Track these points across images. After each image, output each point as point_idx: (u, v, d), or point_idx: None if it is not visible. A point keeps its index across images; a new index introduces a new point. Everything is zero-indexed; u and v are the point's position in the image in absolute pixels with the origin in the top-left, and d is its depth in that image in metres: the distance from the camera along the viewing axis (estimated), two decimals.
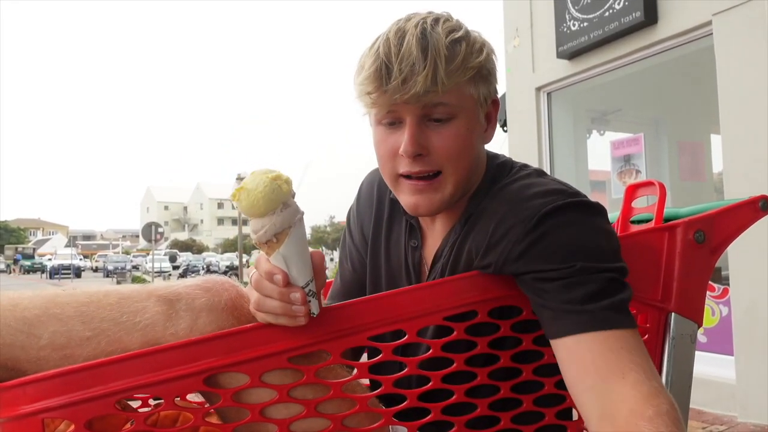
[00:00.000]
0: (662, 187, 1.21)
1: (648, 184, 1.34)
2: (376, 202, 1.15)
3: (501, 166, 1.01)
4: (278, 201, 0.74)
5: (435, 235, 1.04)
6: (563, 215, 0.84)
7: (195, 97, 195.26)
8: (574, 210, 0.85)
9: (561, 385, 0.90)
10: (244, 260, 23.38)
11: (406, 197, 0.95)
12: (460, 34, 0.89)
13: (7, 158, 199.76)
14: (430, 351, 0.89)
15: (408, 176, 0.93)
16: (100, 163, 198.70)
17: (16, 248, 57.80)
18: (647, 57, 4.42)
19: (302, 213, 0.78)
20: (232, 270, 25.89)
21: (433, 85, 0.85)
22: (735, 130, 3.63)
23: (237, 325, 0.84)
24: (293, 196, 0.77)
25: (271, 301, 0.79)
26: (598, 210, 0.88)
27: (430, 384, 0.89)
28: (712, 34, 3.78)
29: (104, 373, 0.78)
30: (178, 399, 0.81)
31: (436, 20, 0.90)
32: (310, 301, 0.80)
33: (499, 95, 1.01)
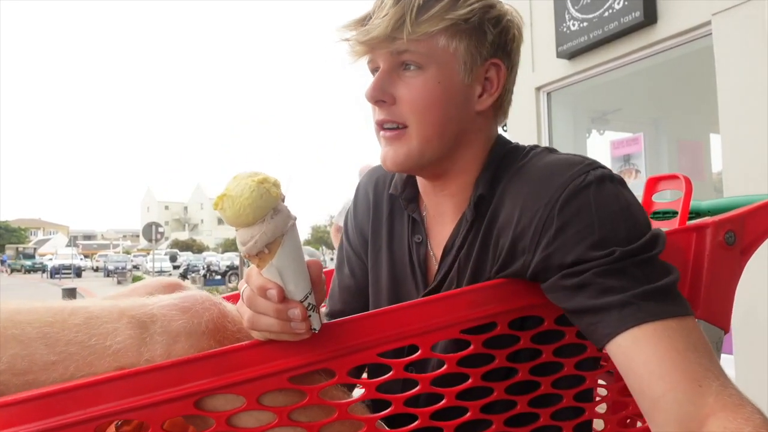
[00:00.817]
0: (688, 182, 1.14)
1: (672, 177, 1.25)
2: (374, 201, 1.09)
3: (513, 150, 0.93)
4: (267, 207, 0.66)
5: (443, 226, 0.97)
6: (594, 192, 0.76)
7: (195, 96, 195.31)
8: (601, 183, 0.77)
9: (580, 397, 0.86)
10: (244, 260, 23.36)
11: (382, 149, 0.92)
12: None
13: (7, 158, 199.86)
14: (445, 367, 0.81)
15: (383, 127, 0.90)
16: (100, 162, 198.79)
17: (17, 248, 57.78)
18: (647, 57, 4.42)
19: (295, 218, 0.70)
20: (232, 270, 25.84)
21: (397, 32, 0.83)
22: (734, 129, 3.63)
23: None
24: (283, 199, 0.69)
25: (267, 319, 0.71)
26: (621, 180, 0.81)
27: (444, 402, 0.81)
28: (711, 34, 3.78)
29: (83, 396, 0.69)
30: (166, 424, 0.72)
31: None
32: (310, 316, 0.71)
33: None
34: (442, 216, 0.97)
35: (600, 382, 0.94)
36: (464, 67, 0.88)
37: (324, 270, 0.78)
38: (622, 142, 5.03)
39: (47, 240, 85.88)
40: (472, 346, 0.81)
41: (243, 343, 0.75)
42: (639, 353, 0.69)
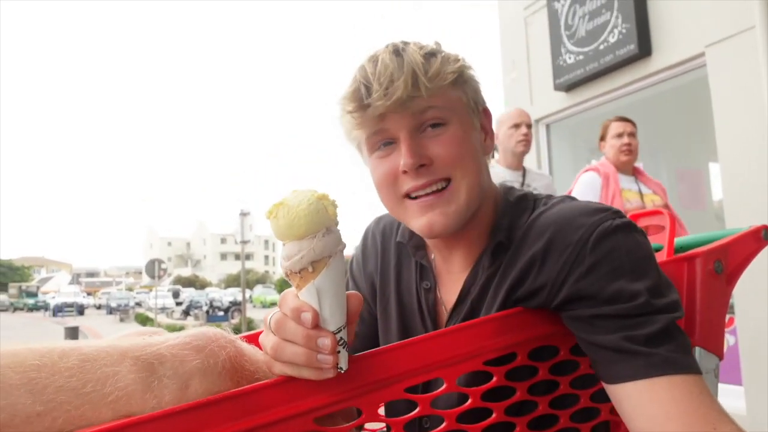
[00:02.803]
0: (672, 217, 1.18)
1: (655, 213, 1.30)
2: (381, 249, 1.09)
3: (523, 198, 0.95)
4: (321, 224, 0.64)
5: (452, 273, 0.97)
6: (622, 236, 0.78)
7: (198, 132, 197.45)
8: (630, 232, 0.80)
9: (596, 430, 0.87)
10: (246, 295, 23.28)
11: (417, 219, 0.89)
12: (432, 48, 0.89)
13: (10, 196, 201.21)
14: (469, 401, 0.78)
15: (414, 196, 0.88)
16: (103, 199, 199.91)
17: (20, 286, 57.67)
18: (643, 88, 4.48)
19: (344, 245, 0.67)
20: (235, 306, 25.72)
21: (416, 90, 0.83)
22: (733, 157, 3.66)
23: None
24: (337, 224, 0.66)
25: (294, 348, 0.66)
26: (643, 231, 0.83)
27: None
28: (705, 65, 3.84)
29: None
30: None
31: (406, 42, 0.90)
32: (339, 352, 0.66)
33: (494, 126, 1.01)
34: (452, 264, 0.97)
35: None
36: (473, 114, 0.92)
37: None
38: None
39: (50, 278, 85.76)
40: (495, 379, 0.80)
41: (264, 381, 0.69)
42: (655, 396, 0.71)
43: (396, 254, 1.07)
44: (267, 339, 0.69)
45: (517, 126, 3.17)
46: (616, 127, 3.30)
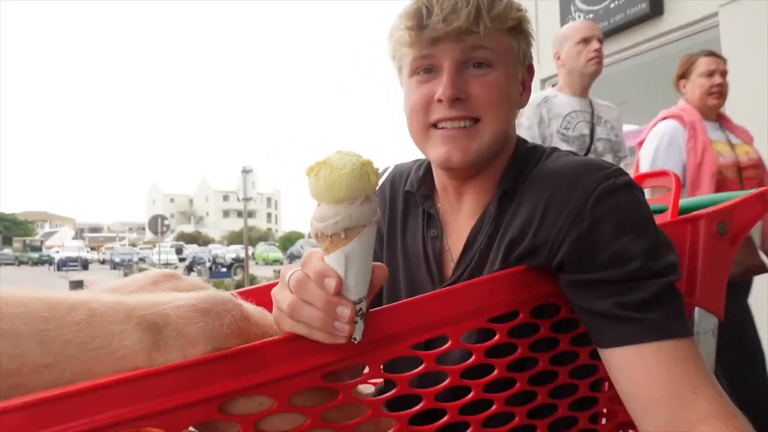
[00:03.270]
0: (677, 178, 1.19)
1: (661, 174, 1.31)
2: (390, 199, 1.10)
3: (533, 149, 0.95)
4: (362, 191, 0.62)
5: (460, 222, 0.97)
6: (623, 195, 0.78)
7: (200, 89, 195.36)
8: (631, 190, 0.80)
9: (594, 387, 0.88)
10: (249, 252, 23.47)
11: (437, 148, 0.89)
12: None
13: (13, 151, 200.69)
14: (473, 358, 0.79)
15: (441, 126, 0.88)
16: (106, 155, 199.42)
17: (24, 241, 58.13)
18: (653, 49, 4.40)
19: (379, 215, 0.65)
20: (237, 262, 25.94)
21: (476, 24, 0.83)
22: (741, 119, 3.61)
23: None
24: (375, 193, 0.65)
25: (311, 310, 0.65)
26: (642, 190, 0.83)
27: (471, 395, 0.79)
28: (718, 25, 3.76)
29: (89, 401, 0.59)
30: None
31: None
32: (356, 323, 0.66)
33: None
34: (460, 212, 0.98)
35: None
36: (519, 66, 0.92)
37: None
38: (628, 135, 5.00)
39: (54, 232, 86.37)
40: (497, 336, 0.81)
41: (272, 338, 0.69)
42: (642, 362, 0.73)
43: (404, 203, 1.07)
44: (283, 295, 0.68)
45: (586, 40, 2.52)
46: (706, 63, 2.63)
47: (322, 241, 0.64)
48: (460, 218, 0.98)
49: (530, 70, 0.97)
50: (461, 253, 0.94)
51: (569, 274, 0.80)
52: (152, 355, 0.64)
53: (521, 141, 0.98)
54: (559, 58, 2.56)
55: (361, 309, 0.66)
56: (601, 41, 2.55)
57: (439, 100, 0.87)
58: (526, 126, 2.43)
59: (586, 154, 2.32)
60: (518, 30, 0.90)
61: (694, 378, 0.71)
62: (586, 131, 2.46)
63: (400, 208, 1.08)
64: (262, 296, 0.83)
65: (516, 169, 0.92)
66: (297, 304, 0.66)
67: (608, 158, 2.44)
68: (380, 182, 1.16)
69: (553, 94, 2.51)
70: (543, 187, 0.84)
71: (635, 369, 0.74)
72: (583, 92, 2.57)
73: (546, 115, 2.45)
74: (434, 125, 0.89)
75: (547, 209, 0.81)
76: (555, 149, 0.94)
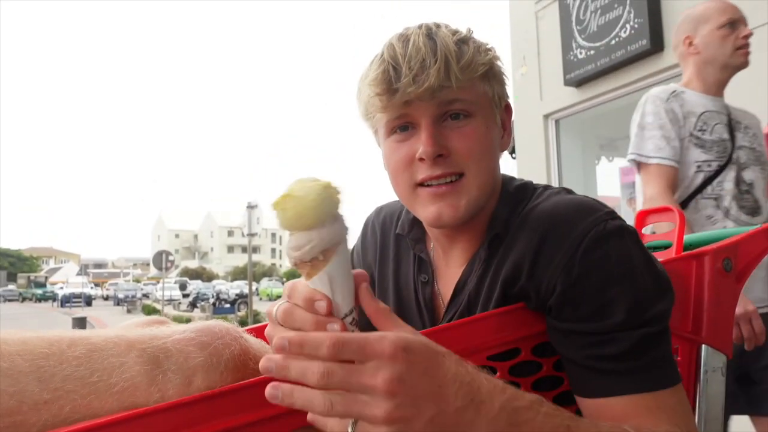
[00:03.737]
0: (681, 214, 1.18)
1: (665, 210, 1.29)
2: (381, 240, 1.09)
3: (522, 188, 0.94)
4: (329, 212, 0.64)
5: (450, 267, 0.97)
6: (613, 243, 0.77)
7: (206, 126, 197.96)
8: (621, 236, 0.78)
9: None
10: (253, 288, 23.35)
11: (426, 208, 0.87)
12: (464, 35, 0.87)
13: (19, 187, 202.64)
14: None
15: (427, 185, 0.87)
16: (111, 191, 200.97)
17: (29, 276, 58.11)
18: (654, 84, 4.44)
19: (348, 228, 0.67)
20: (241, 298, 25.80)
21: (447, 80, 0.81)
22: None
23: None
24: (340, 210, 0.67)
25: None
26: (636, 234, 0.82)
27: None
28: None
29: None
30: None
31: (438, 24, 0.88)
32: (353, 332, 0.66)
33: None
34: (452, 257, 0.97)
35: None
36: (495, 110, 0.91)
37: None
38: (631, 169, 4.99)
39: (59, 268, 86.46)
40: (498, 374, 0.79)
41: (266, 375, 0.67)
42: (611, 413, 0.73)
43: (395, 246, 1.07)
44: (274, 331, 0.67)
45: (733, 24, 1.98)
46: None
47: (302, 269, 0.65)
48: (451, 263, 0.97)
49: (508, 110, 0.96)
50: (451, 297, 0.93)
51: (553, 320, 0.79)
52: (150, 389, 0.65)
53: (507, 181, 0.96)
54: (691, 44, 2.04)
55: (354, 318, 0.67)
56: (748, 28, 2.02)
57: (421, 159, 0.85)
58: (657, 125, 1.91)
59: (726, 163, 1.89)
60: (490, 74, 0.88)
61: (663, 422, 0.71)
62: (726, 135, 1.94)
63: (392, 251, 1.07)
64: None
65: (506, 211, 0.91)
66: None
67: (754, 171, 1.94)
68: (373, 216, 1.15)
69: (680, 89, 2.00)
70: (534, 229, 0.82)
71: (603, 415, 0.74)
72: (718, 89, 2.04)
73: (679, 111, 1.92)
74: (420, 184, 0.88)
75: (539, 254, 0.80)
76: (547, 187, 0.93)
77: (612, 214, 0.81)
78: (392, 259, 1.06)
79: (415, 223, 1.03)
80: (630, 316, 0.75)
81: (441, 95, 0.83)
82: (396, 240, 1.07)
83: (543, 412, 0.63)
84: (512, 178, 0.98)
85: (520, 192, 0.93)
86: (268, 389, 0.59)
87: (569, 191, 0.91)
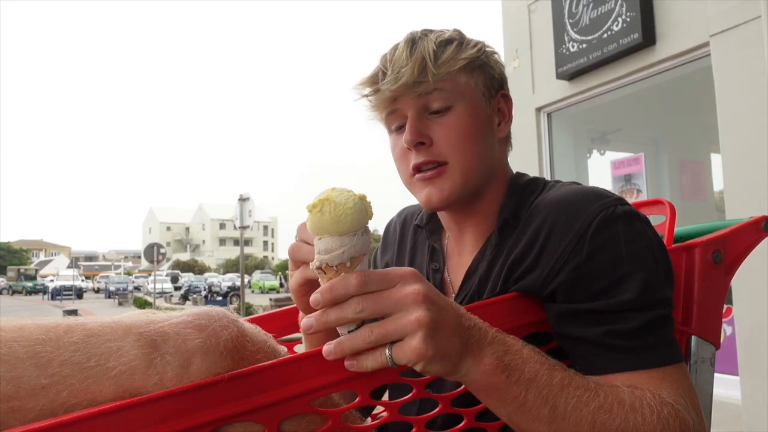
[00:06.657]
0: (672, 207, 1.19)
1: (655, 202, 1.30)
2: (400, 236, 1.16)
3: (533, 182, 0.99)
4: (363, 223, 0.67)
5: (463, 255, 1.01)
6: (622, 225, 0.80)
7: (198, 117, 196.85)
8: (631, 220, 0.81)
9: None
10: (245, 281, 23.35)
11: (420, 192, 0.94)
12: (449, 36, 0.94)
13: (9, 179, 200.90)
14: (464, 385, 0.76)
15: (420, 171, 0.93)
16: (102, 183, 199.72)
17: (19, 269, 57.72)
18: (646, 78, 4.45)
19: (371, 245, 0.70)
20: (233, 290, 25.77)
21: (423, 75, 0.89)
22: (735, 149, 3.64)
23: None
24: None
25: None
26: (646, 219, 0.85)
27: (464, 423, 0.80)
28: (710, 54, 3.81)
29: (83, 430, 0.59)
30: None
31: (427, 32, 0.95)
32: None
33: None
34: (463, 246, 1.01)
35: None
36: (484, 99, 0.96)
37: None
38: (622, 162, 5.05)
39: (49, 261, 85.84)
40: None
41: (265, 363, 0.70)
42: (630, 384, 0.75)
43: (412, 239, 1.13)
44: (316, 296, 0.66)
45: None
46: None
47: (327, 272, 0.66)
48: (463, 251, 1.02)
49: (506, 99, 1.01)
50: (461, 283, 0.97)
51: (562, 302, 0.81)
52: (148, 372, 0.65)
53: (519, 174, 1.02)
54: None
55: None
56: None
57: (408, 148, 0.93)
58: None
59: None
60: (472, 67, 0.94)
61: (671, 394, 0.74)
62: None
63: (409, 244, 1.13)
64: (262, 325, 0.83)
65: (516, 199, 0.95)
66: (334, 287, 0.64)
67: None
68: (390, 219, 1.24)
69: None
70: (545, 214, 0.86)
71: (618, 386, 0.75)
72: None
73: None
74: (415, 171, 0.94)
75: (549, 236, 0.83)
76: (558, 181, 0.97)
77: (621, 200, 0.84)
78: (408, 250, 1.12)
79: (433, 215, 1.09)
80: (642, 294, 0.77)
81: (420, 89, 0.90)
82: (414, 232, 1.13)
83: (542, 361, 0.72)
84: (524, 174, 1.03)
85: (532, 185, 0.98)
86: (326, 346, 0.65)
87: (579, 183, 0.94)
